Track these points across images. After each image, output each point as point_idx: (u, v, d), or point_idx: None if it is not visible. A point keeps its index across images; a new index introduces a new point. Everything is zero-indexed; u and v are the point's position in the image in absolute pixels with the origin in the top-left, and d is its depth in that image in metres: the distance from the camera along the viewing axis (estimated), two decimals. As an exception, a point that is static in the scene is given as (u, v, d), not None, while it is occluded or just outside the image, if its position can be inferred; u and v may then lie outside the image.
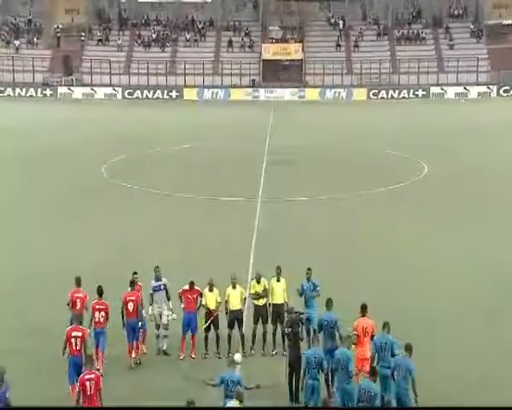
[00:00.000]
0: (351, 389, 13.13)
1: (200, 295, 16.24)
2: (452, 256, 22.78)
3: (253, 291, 16.46)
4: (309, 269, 16.54)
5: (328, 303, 15.07)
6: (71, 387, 13.90)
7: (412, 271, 21.47)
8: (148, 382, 15.09)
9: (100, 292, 15.57)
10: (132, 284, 15.98)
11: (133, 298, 15.79)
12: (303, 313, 15.57)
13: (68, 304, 16.00)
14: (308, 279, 16.44)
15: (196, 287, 16.23)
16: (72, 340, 14.12)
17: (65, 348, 14.25)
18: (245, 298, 16.41)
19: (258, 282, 16.42)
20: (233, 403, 12.14)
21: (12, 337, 17.05)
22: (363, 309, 14.57)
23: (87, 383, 12.46)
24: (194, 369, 15.58)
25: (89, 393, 12.46)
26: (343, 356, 13.37)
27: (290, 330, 14.80)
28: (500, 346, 16.55)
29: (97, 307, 15.42)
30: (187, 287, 16.24)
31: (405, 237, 24.97)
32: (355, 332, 14.33)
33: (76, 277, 16.21)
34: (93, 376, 12.55)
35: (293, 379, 14.34)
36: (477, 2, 78.93)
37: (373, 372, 12.74)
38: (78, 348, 14.11)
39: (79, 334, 14.17)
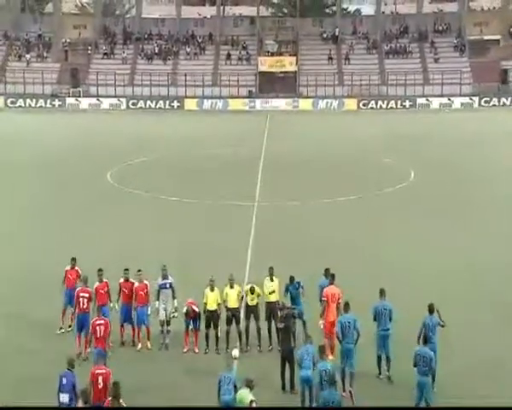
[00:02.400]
0: (352, 349, 14.31)
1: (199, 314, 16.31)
2: (434, 256, 22.80)
3: (246, 298, 16.46)
4: (291, 277, 16.56)
5: (326, 272, 16.39)
6: (77, 336, 15.91)
7: (401, 271, 21.49)
8: (149, 377, 15.07)
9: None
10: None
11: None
12: (295, 308, 15.69)
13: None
14: (292, 282, 16.55)
15: (194, 308, 16.18)
16: (80, 299, 16.03)
17: (74, 306, 16.27)
18: (242, 297, 16.46)
19: (252, 292, 16.44)
20: (244, 390, 12.14)
21: (24, 332, 17.07)
22: (331, 277, 16.03)
23: (97, 327, 14.66)
24: (195, 363, 15.63)
25: (98, 336, 14.59)
26: (349, 320, 14.43)
27: (283, 324, 14.88)
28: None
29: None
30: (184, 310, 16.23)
31: (393, 240, 25.03)
32: (324, 298, 15.65)
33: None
34: (102, 322, 14.75)
35: (286, 370, 14.48)
36: (460, 19, 79.17)
37: (425, 340, 13.51)
38: (85, 306, 16.00)
39: (86, 295, 16.05)
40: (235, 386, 12.59)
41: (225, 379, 12.68)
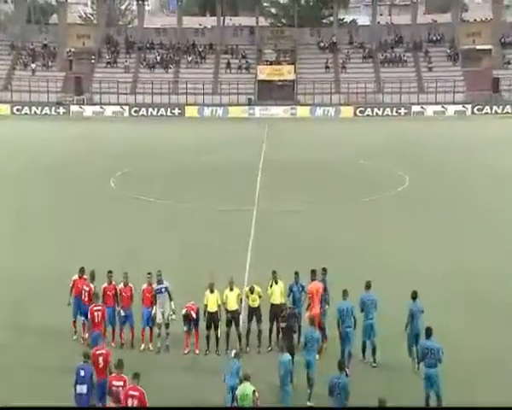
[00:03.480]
0: (350, 333, 15.19)
1: (197, 310, 16.19)
2: (430, 258, 22.73)
3: (247, 300, 16.37)
4: (296, 273, 16.52)
5: (324, 271, 16.69)
6: (73, 322, 16.61)
7: (398, 272, 21.39)
8: (150, 378, 14.95)
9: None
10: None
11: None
12: (296, 309, 15.70)
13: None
14: (296, 283, 16.46)
15: (190, 303, 16.15)
16: (83, 291, 16.43)
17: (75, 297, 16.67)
18: (241, 299, 16.36)
19: (252, 292, 16.37)
20: (244, 384, 12.39)
21: (30, 334, 16.96)
22: (313, 274, 16.35)
23: (95, 313, 15.28)
24: (196, 364, 15.53)
25: (97, 321, 15.21)
26: (347, 306, 15.28)
27: (285, 324, 14.90)
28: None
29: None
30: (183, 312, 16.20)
31: (390, 242, 24.95)
32: (309, 295, 16.07)
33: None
34: (100, 307, 15.35)
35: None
36: (453, 30, 79.32)
37: (428, 332, 13.64)
38: (86, 299, 16.30)
39: (87, 288, 16.42)
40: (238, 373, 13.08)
41: (232, 364, 13.22)
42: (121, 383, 12.22)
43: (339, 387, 12.32)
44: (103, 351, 13.33)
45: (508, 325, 17.59)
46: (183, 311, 16.03)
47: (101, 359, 13.12)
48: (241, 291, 16.46)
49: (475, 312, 18.38)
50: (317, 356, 14.56)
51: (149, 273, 16.56)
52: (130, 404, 11.92)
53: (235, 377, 12.95)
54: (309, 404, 13.94)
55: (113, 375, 12.55)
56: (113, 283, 16.51)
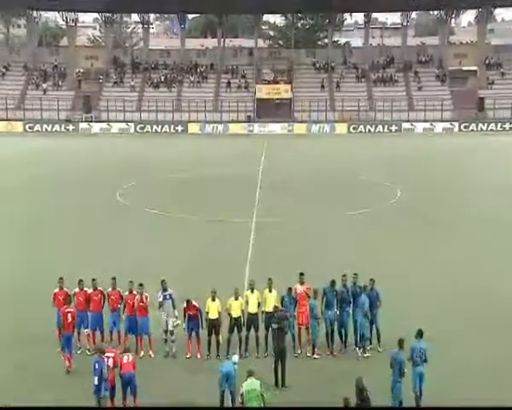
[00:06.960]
0: (363, 321, 15.97)
1: (200, 311, 16.00)
2: (421, 271, 22.59)
3: (247, 300, 16.21)
4: (289, 289, 16.39)
5: (332, 284, 16.64)
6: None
7: (388, 283, 21.20)
8: (153, 380, 14.78)
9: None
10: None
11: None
12: (288, 311, 15.63)
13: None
14: (289, 294, 16.36)
15: (194, 303, 15.93)
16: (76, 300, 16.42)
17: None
18: (242, 310, 16.23)
19: (252, 291, 16.25)
20: (251, 380, 12.44)
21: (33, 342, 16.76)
22: (301, 276, 16.68)
23: (68, 314, 15.62)
24: (198, 367, 15.39)
25: (69, 321, 15.57)
26: (363, 298, 16.10)
27: (277, 325, 14.85)
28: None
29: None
30: (185, 305, 16.00)
31: (382, 252, 24.81)
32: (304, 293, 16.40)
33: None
34: (72, 310, 15.76)
35: (279, 368, 14.53)
36: (441, 51, 79.66)
37: (420, 334, 13.68)
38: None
39: (81, 298, 16.40)
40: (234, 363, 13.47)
41: (225, 362, 13.63)
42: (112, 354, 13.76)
43: (396, 362, 13.13)
44: (71, 309, 15.63)
45: (499, 329, 17.44)
46: (184, 304, 15.94)
47: (69, 315, 15.49)
48: (243, 301, 16.32)
49: (467, 318, 18.21)
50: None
51: (131, 281, 16.44)
52: (125, 359, 13.66)
53: (230, 366, 13.33)
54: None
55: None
56: (118, 289, 16.40)
